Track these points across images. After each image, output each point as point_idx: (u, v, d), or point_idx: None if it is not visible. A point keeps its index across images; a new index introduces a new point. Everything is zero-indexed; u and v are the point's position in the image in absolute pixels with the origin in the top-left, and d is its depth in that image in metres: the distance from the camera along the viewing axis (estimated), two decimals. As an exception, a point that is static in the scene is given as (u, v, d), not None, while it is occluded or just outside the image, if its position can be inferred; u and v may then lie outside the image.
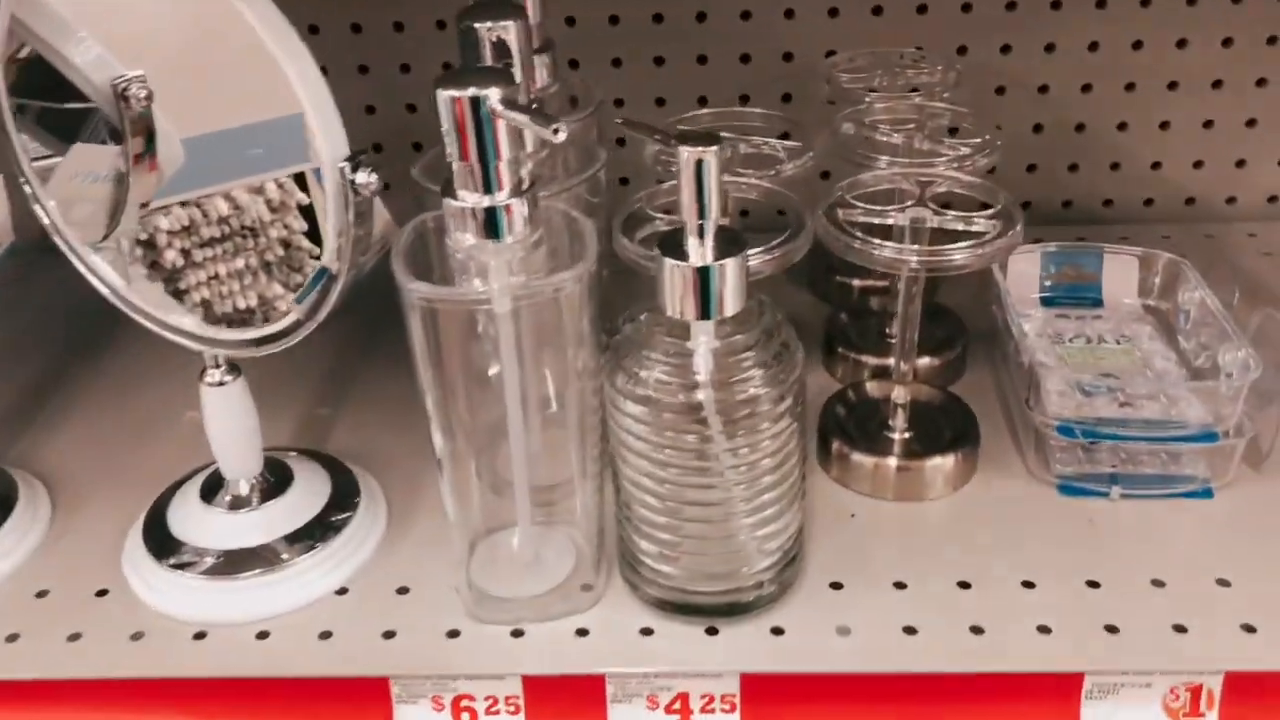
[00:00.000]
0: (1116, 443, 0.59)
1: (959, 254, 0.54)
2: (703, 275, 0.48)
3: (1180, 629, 0.53)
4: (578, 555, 0.57)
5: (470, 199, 0.47)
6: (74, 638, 0.56)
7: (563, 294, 0.48)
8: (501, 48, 0.56)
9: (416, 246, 0.50)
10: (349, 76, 0.87)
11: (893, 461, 0.62)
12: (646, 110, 0.86)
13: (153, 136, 0.54)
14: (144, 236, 0.53)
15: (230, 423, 0.57)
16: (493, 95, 0.45)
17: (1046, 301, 0.70)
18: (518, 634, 0.55)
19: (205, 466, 0.61)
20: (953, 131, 0.67)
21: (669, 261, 0.48)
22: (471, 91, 0.44)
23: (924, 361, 0.69)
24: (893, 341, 0.70)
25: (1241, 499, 0.61)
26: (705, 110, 0.70)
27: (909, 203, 0.58)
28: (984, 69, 0.85)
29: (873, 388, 0.67)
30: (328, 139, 0.46)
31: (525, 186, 0.48)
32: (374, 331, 0.76)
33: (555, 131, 0.43)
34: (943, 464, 0.62)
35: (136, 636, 0.56)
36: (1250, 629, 0.53)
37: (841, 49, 0.83)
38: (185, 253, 0.53)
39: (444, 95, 0.45)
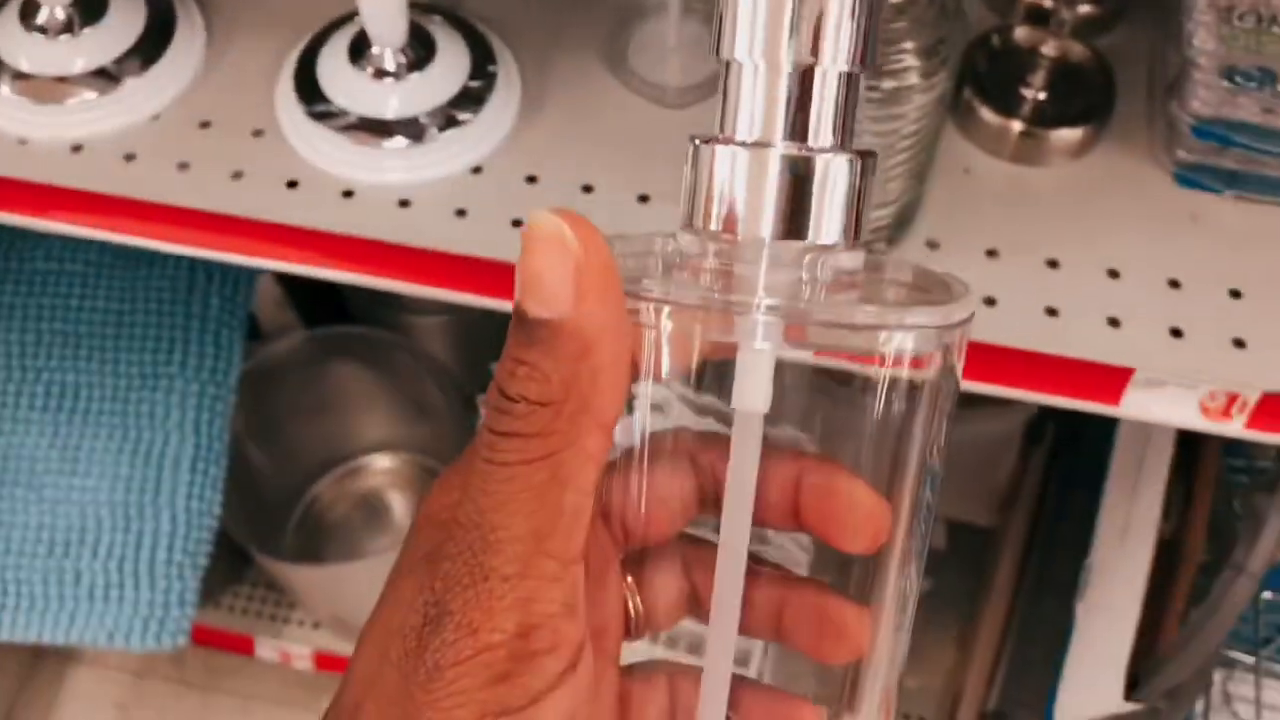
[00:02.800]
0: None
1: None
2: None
3: (1239, 343, 0.57)
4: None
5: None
6: (237, 175, 0.62)
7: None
8: None
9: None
10: None
11: (1018, 125, 0.62)
12: None
13: None
14: None
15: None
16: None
17: (1232, -38, 0.65)
18: (633, 242, 0.60)
19: (354, 15, 0.62)
20: None
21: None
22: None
23: (1082, 9, 0.66)
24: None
25: (1351, 219, 0.62)
26: None
27: None
28: None
29: (1021, 36, 0.65)
30: None
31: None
32: None
33: None
34: (1067, 136, 0.62)
35: (292, 184, 0.61)
36: (1306, 355, 0.57)
37: None
38: None
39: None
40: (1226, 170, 0.61)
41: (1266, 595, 0.98)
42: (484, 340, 1.07)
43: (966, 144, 0.64)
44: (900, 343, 0.24)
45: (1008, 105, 0.62)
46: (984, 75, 0.63)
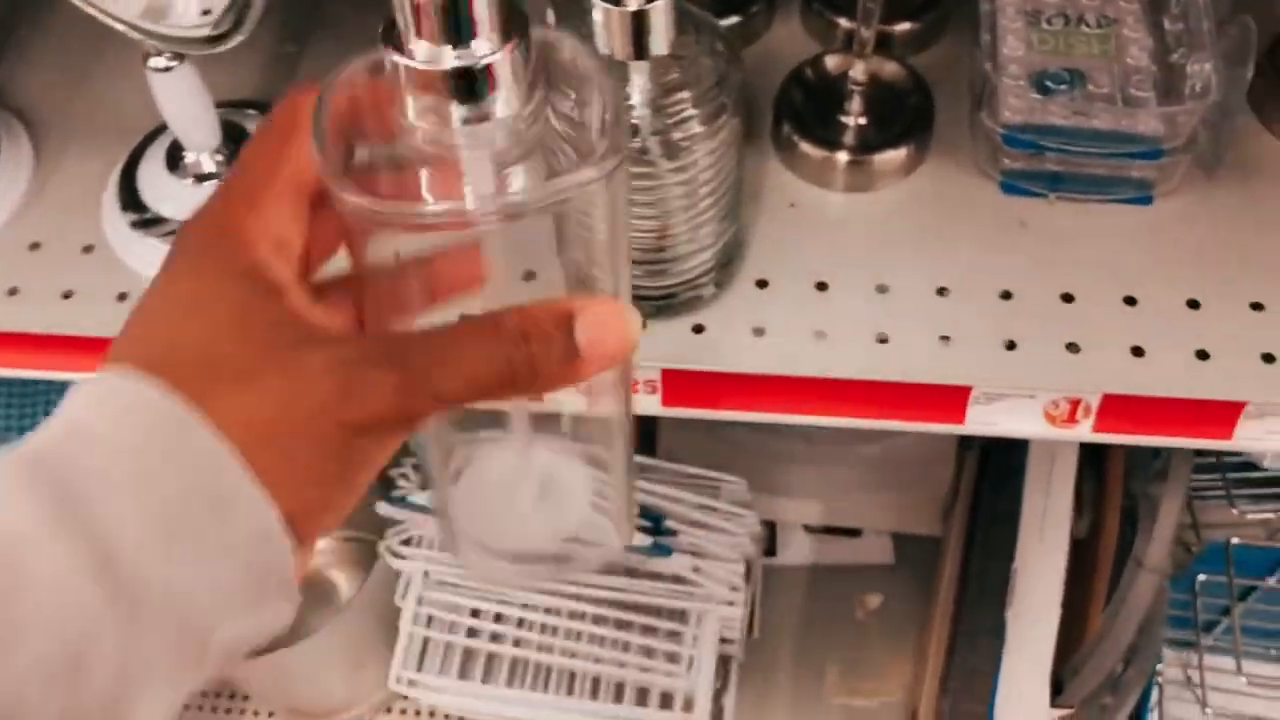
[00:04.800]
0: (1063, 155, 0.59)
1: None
2: (636, 20, 0.46)
3: (1073, 348, 0.57)
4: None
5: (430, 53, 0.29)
6: (67, 295, 0.62)
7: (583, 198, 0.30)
8: None
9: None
10: None
11: (843, 156, 0.62)
12: None
13: None
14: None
15: (178, 108, 0.58)
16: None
17: (1039, -36, 0.65)
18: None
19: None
20: None
21: (602, 5, 0.46)
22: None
23: (902, 27, 0.67)
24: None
25: (1179, 208, 0.61)
26: None
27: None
28: None
29: (833, 63, 0.65)
30: None
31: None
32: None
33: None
34: (892, 157, 0.62)
35: (122, 297, 0.61)
36: (1139, 352, 0.57)
37: None
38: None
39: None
40: (1049, 173, 0.61)
41: (1202, 577, 0.97)
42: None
43: (792, 178, 0.64)
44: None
45: (828, 136, 0.62)
46: (801, 108, 0.63)
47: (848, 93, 0.62)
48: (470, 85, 0.29)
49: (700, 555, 0.87)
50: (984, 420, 0.58)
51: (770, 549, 1.17)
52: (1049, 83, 0.60)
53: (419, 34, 0.29)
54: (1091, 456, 0.89)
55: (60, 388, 0.92)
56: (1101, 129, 0.59)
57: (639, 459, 0.88)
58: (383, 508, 0.83)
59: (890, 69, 0.64)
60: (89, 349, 0.60)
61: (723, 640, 0.96)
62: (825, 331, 0.58)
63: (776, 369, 0.57)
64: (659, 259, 0.56)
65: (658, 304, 0.58)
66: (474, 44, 0.29)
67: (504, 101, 0.30)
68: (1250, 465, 0.98)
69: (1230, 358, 0.56)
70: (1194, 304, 0.58)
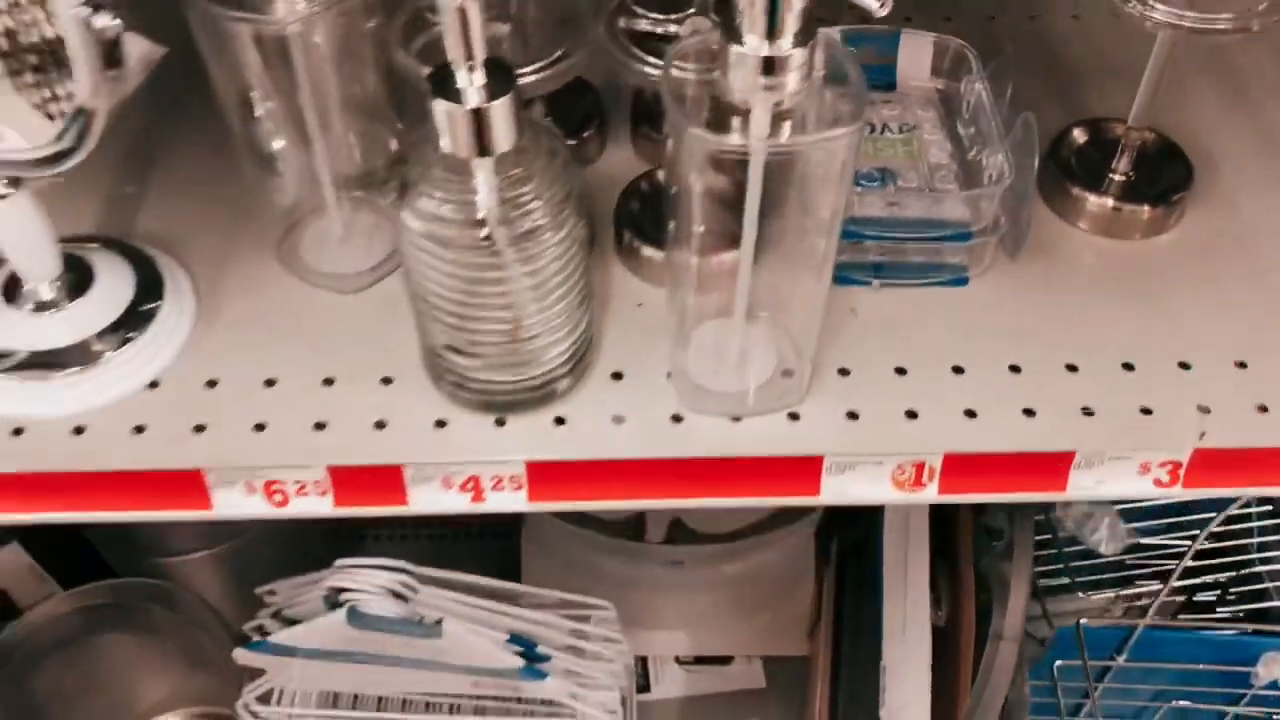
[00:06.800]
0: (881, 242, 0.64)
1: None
2: (476, 117, 0.49)
3: (912, 414, 0.61)
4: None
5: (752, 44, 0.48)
6: (-105, 434, 0.59)
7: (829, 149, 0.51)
8: None
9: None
10: None
11: (679, 254, 0.66)
12: None
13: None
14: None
15: (16, 236, 0.57)
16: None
17: (843, 82, 0.72)
18: (320, 426, 0.59)
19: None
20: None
21: (442, 104, 0.48)
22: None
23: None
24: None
25: (992, 287, 0.67)
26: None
27: (692, 9, 0.59)
28: None
29: (663, 178, 0.70)
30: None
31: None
32: (181, 106, 0.75)
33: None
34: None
35: (-45, 432, 0.59)
36: (971, 414, 0.61)
37: None
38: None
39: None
40: (871, 263, 0.66)
41: (1059, 663, 1.01)
42: (250, 565, 1.03)
43: (637, 280, 0.67)
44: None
45: (663, 242, 0.66)
46: (639, 217, 0.67)
47: (682, 199, 0.67)
48: (773, 67, 0.48)
49: (576, 681, 0.85)
50: (837, 489, 0.61)
51: (644, 684, 1.16)
52: (862, 182, 0.66)
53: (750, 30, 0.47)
54: (942, 549, 0.92)
55: None
56: (914, 217, 0.64)
57: (507, 585, 0.87)
58: (241, 655, 0.79)
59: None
60: (-81, 488, 0.57)
61: (601, 774, 0.93)
62: (682, 415, 0.60)
63: (639, 453, 0.59)
64: (515, 353, 0.57)
65: (516, 398, 0.59)
66: (781, 41, 0.47)
67: (790, 80, 0.48)
68: (1089, 554, 1.04)
69: (1054, 414, 0.61)
70: (1015, 369, 0.63)
